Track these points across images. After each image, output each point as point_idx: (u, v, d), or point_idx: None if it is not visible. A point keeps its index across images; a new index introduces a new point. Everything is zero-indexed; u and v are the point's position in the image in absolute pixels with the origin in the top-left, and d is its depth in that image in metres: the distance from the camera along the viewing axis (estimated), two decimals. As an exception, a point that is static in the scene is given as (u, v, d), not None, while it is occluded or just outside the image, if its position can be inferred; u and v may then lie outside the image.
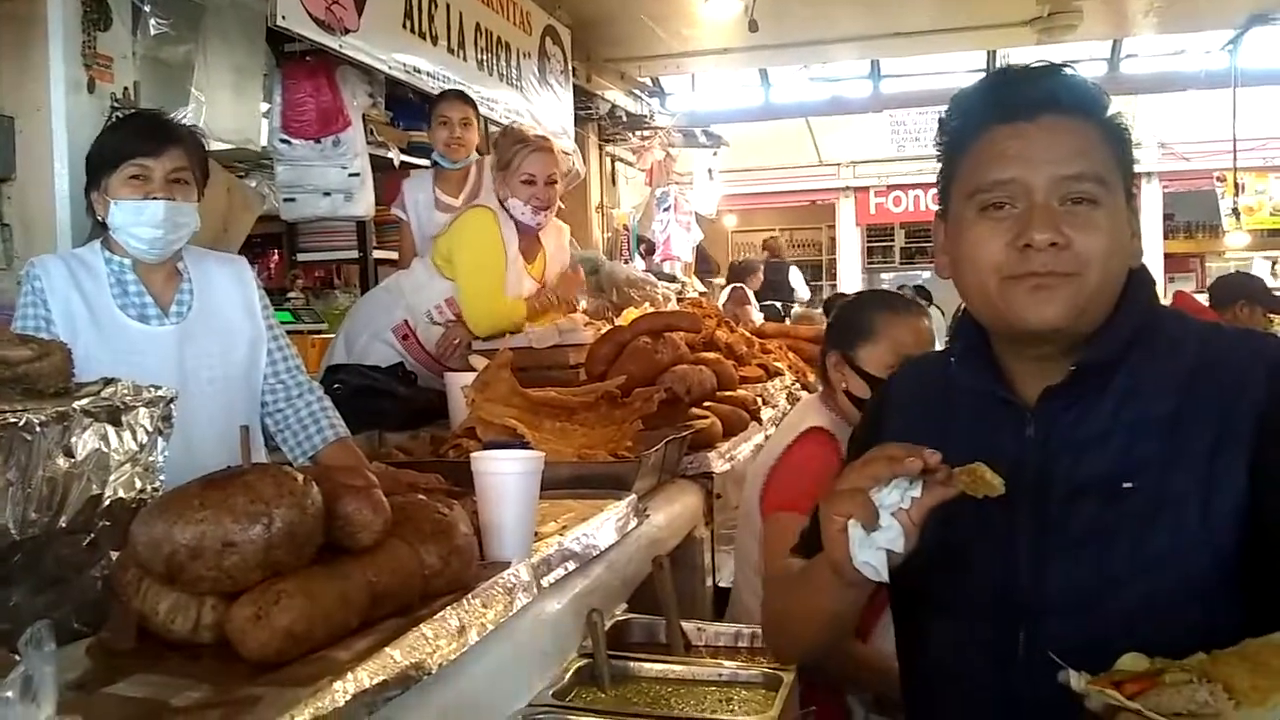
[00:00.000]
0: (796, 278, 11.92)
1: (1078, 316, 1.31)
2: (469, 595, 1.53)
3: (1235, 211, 11.17)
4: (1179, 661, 1.12)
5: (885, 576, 1.22)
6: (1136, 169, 1.41)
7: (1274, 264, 13.09)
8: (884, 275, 17.41)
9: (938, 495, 1.22)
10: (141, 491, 1.56)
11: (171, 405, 1.63)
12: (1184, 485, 1.27)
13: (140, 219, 2.42)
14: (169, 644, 1.33)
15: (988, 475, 1.20)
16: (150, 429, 1.59)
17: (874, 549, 1.21)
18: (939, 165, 1.45)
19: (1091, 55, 9.29)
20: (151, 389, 1.61)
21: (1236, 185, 11.03)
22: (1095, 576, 1.29)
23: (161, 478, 1.60)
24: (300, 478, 1.33)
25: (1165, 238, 14.39)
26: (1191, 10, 7.86)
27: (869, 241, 17.11)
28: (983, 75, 1.50)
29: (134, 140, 2.48)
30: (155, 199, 2.42)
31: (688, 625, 2.19)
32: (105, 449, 1.51)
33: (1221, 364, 1.32)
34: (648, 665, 1.93)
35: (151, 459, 1.59)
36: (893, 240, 17.33)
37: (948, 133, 1.43)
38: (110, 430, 1.52)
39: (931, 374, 1.55)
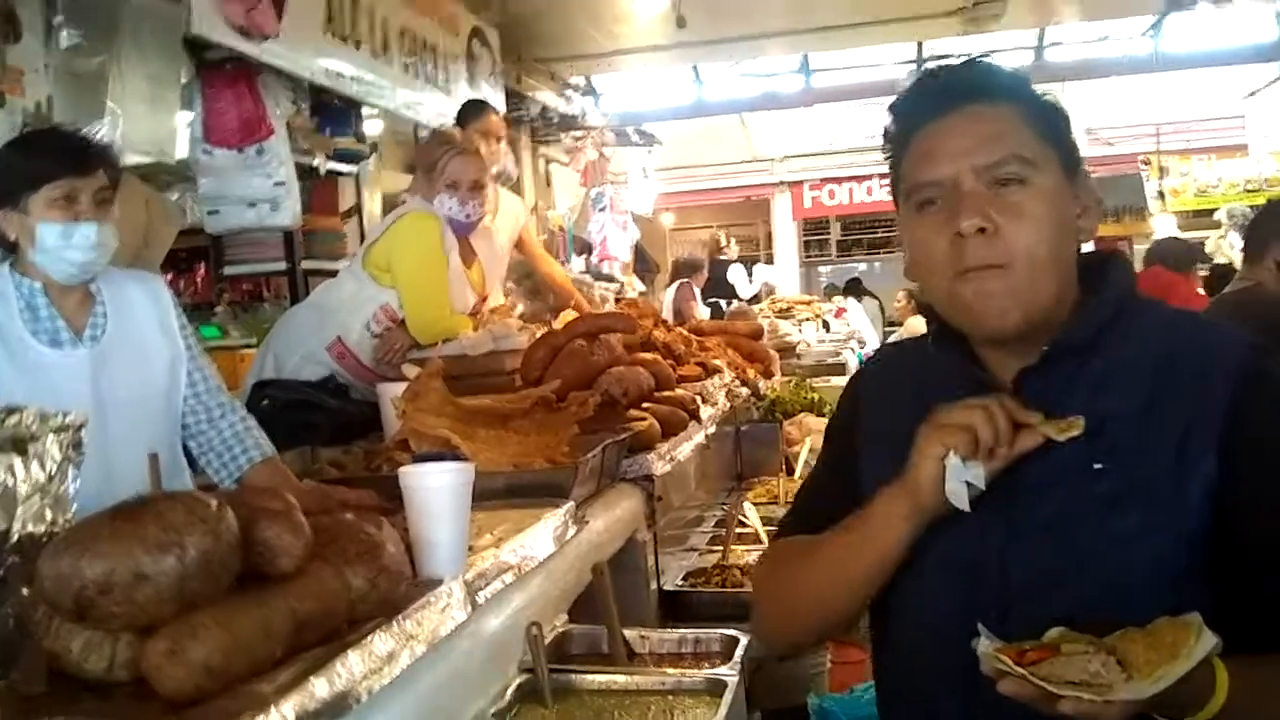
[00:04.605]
0: (737, 274, 11.83)
1: (1032, 311, 1.32)
2: (399, 617, 1.48)
3: (1160, 194, 11.35)
4: (1087, 635, 1.17)
5: (968, 505, 1.28)
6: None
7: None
8: (821, 269, 17.51)
9: (1025, 444, 1.29)
10: (53, 524, 1.49)
11: (81, 432, 1.57)
12: (1155, 469, 1.28)
13: (71, 242, 2.34)
14: (84, 684, 1.27)
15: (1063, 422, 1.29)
16: (59, 458, 1.53)
17: (960, 481, 1.28)
18: (889, 173, 1.49)
19: (1017, 44, 9.38)
20: (60, 416, 1.54)
21: (1160, 169, 11.21)
22: (1063, 557, 1.30)
23: (74, 508, 1.54)
24: (214, 503, 1.28)
25: (1094, 222, 14.59)
26: (1113, -4, 8.01)
27: (805, 235, 17.18)
28: (911, 66, 1.53)
29: (60, 159, 2.38)
30: (87, 221, 2.35)
31: (630, 633, 2.16)
32: (11, 480, 1.44)
33: (1195, 354, 1.33)
34: (590, 677, 1.91)
35: (62, 489, 1.53)
36: (828, 233, 17.41)
37: (889, 140, 1.47)
38: (16, 460, 1.46)
39: (907, 360, 1.57)
